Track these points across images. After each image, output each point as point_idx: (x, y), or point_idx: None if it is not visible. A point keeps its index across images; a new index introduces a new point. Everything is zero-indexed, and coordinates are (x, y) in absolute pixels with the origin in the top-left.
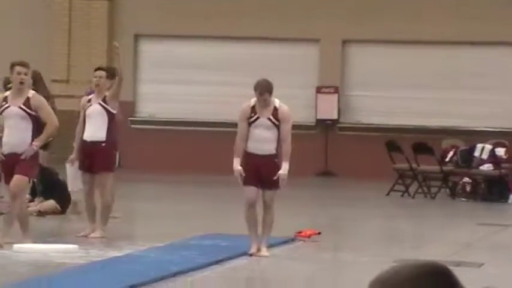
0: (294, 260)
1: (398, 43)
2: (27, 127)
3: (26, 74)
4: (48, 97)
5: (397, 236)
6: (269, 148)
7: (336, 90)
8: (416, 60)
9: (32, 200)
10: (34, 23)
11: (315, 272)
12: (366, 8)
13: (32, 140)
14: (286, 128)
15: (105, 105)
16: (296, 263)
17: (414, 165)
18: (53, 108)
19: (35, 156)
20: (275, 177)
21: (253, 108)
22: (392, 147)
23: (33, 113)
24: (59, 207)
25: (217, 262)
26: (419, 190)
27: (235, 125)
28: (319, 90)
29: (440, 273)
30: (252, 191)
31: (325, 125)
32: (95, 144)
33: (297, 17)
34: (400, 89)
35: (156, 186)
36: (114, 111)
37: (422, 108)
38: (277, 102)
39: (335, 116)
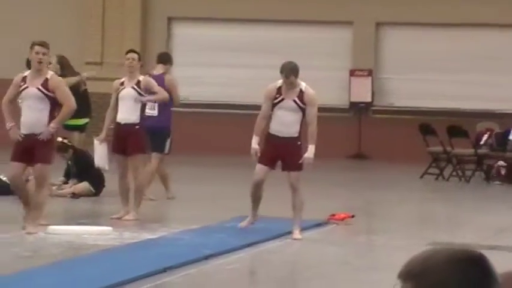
0: (327, 243)
1: (432, 25)
2: (45, 108)
3: (44, 54)
4: (79, 80)
5: (431, 219)
6: (292, 131)
7: (370, 73)
8: (451, 42)
9: (66, 182)
10: (68, 6)
11: (348, 255)
12: None
13: (49, 122)
14: (313, 112)
15: (138, 90)
16: (329, 246)
17: (448, 148)
18: (85, 91)
19: (52, 139)
20: (300, 161)
21: (279, 89)
22: (426, 130)
23: (50, 94)
24: (92, 189)
25: (251, 244)
26: (454, 173)
27: None
28: (352, 73)
29: (473, 260)
30: (262, 169)
31: (358, 108)
32: (128, 126)
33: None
34: (435, 71)
35: (190, 168)
36: (151, 97)
37: (457, 91)
38: (303, 85)
39: (369, 99)
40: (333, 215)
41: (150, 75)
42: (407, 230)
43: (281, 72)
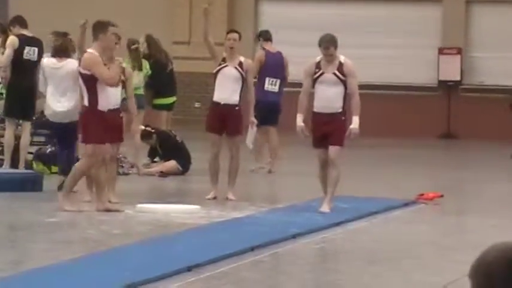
0: (417, 223)
1: None
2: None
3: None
4: (167, 58)
5: None
6: (336, 106)
7: (459, 51)
8: None
9: (153, 161)
10: None
11: (437, 235)
12: None
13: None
14: (354, 82)
15: (241, 70)
16: (418, 226)
17: None
18: (171, 70)
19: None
20: (345, 134)
21: (318, 64)
22: None
23: (86, 72)
24: (180, 167)
25: (338, 224)
26: None
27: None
28: (441, 51)
29: None
30: (322, 152)
31: (447, 87)
32: (228, 107)
33: None
34: None
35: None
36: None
37: None
38: (342, 57)
39: (458, 78)
40: (422, 194)
41: (268, 53)
42: (499, 210)
43: (319, 44)
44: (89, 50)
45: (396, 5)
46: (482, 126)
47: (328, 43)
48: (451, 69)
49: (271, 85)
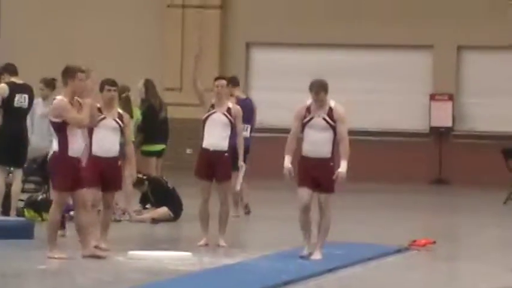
0: (409, 269)
1: None
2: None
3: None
4: (161, 105)
5: None
6: (324, 151)
7: (451, 97)
8: None
9: (144, 208)
10: (147, 32)
11: (430, 281)
12: (481, 13)
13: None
14: (343, 128)
15: (229, 116)
16: (411, 272)
17: None
18: (165, 117)
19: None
20: (333, 177)
21: (308, 108)
22: (509, 154)
23: (56, 120)
24: (171, 214)
25: (330, 270)
26: None
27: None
28: (433, 97)
29: None
30: (305, 192)
31: (439, 133)
32: (218, 153)
33: (409, 23)
34: None
35: (267, 192)
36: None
37: None
38: (332, 102)
39: (449, 124)
40: (414, 241)
41: (238, 100)
42: (490, 256)
43: (310, 89)
44: (57, 97)
45: (388, 51)
46: (474, 172)
47: (318, 88)
48: (442, 116)
49: (244, 131)
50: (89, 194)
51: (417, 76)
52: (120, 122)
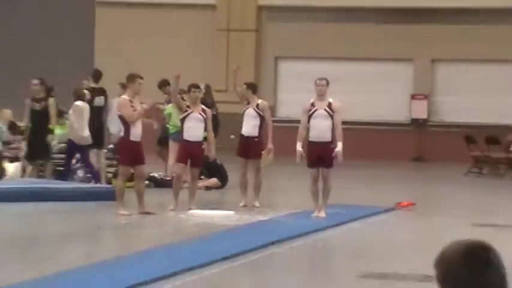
0: (396, 224)
1: (476, 61)
2: None
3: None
4: (213, 103)
5: (476, 205)
6: (327, 136)
7: (426, 97)
8: (488, 74)
9: (200, 178)
10: (203, 49)
11: (412, 231)
12: (452, 34)
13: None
14: (338, 118)
15: (258, 110)
16: (397, 226)
17: (486, 154)
18: (216, 111)
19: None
20: (333, 154)
21: (312, 103)
22: (469, 140)
23: (119, 113)
24: (220, 183)
25: (336, 225)
26: (491, 172)
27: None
28: (413, 97)
29: (475, 252)
30: (314, 171)
31: (418, 123)
32: (250, 138)
33: (395, 42)
34: (476, 95)
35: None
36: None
37: (492, 110)
38: (331, 99)
39: (425, 116)
40: (399, 203)
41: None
42: (459, 214)
43: (316, 82)
44: (122, 96)
45: (379, 62)
46: (444, 152)
47: (322, 79)
48: (420, 110)
49: None
50: (180, 168)
51: (401, 81)
52: (204, 115)
